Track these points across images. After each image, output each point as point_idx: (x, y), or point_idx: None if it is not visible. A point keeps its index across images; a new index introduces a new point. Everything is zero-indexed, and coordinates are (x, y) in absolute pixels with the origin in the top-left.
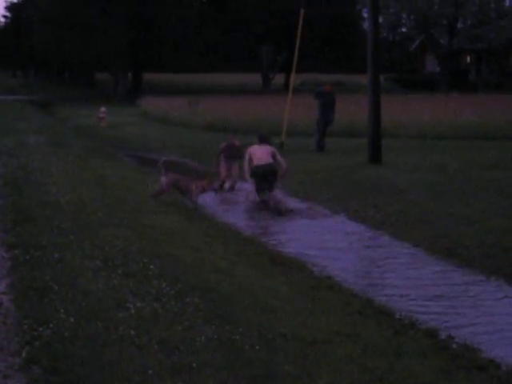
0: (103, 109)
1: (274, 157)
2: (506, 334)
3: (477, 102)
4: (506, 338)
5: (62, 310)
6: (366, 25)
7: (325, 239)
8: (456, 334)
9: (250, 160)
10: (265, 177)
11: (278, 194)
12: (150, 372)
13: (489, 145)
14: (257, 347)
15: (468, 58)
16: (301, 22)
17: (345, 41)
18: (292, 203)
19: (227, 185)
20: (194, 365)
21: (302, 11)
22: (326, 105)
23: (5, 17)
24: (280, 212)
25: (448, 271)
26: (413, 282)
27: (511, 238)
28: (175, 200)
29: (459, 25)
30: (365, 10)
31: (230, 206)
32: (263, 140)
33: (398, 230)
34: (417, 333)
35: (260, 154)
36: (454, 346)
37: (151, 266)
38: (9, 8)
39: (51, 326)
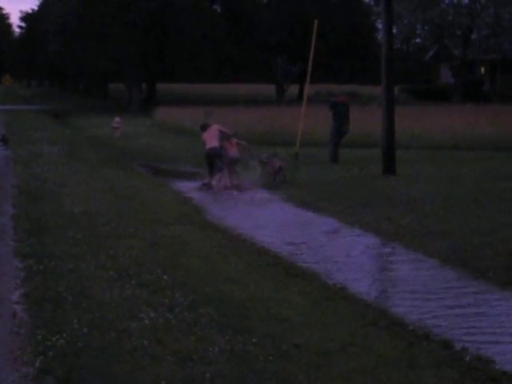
0: (117, 119)
1: (221, 132)
2: None
3: (491, 112)
4: None
5: (75, 321)
6: (380, 36)
7: (338, 251)
8: (470, 345)
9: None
10: (212, 158)
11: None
12: (163, 382)
13: (503, 156)
14: (270, 358)
15: (482, 69)
16: (315, 33)
17: (359, 52)
18: (301, 215)
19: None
20: (208, 375)
21: (315, 22)
22: (341, 115)
23: (20, 27)
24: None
25: (462, 282)
26: (427, 293)
27: None
28: (189, 211)
29: (473, 35)
30: (379, 20)
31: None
32: (205, 127)
33: (412, 242)
34: (430, 344)
35: (211, 137)
36: (468, 357)
37: (165, 277)
38: (24, 18)
39: (65, 336)
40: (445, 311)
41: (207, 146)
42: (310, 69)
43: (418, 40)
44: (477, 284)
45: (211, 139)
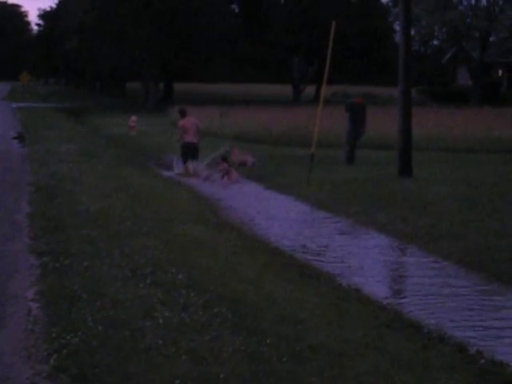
0: (134, 117)
1: (198, 127)
2: None
3: (508, 115)
4: None
5: (90, 319)
6: (397, 37)
7: (353, 252)
8: (484, 349)
9: (183, 130)
10: (192, 151)
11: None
12: (177, 382)
13: None
14: (284, 359)
15: (500, 71)
16: (332, 34)
17: (376, 53)
18: (317, 215)
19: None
20: (222, 375)
21: (333, 23)
22: (357, 117)
23: (38, 25)
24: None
25: (478, 285)
26: (441, 295)
27: None
28: (203, 210)
29: (491, 38)
30: (397, 22)
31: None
32: (184, 113)
33: (428, 244)
34: (445, 347)
35: (191, 130)
36: (483, 360)
37: (179, 276)
38: (42, 16)
39: (79, 334)
40: (459, 314)
41: (191, 140)
42: (327, 70)
43: (435, 42)
44: (492, 287)
45: (194, 134)
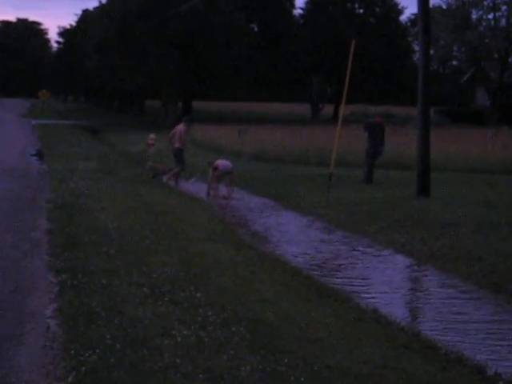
0: (152, 135)
1: (180, 133)
2: None
3: None
4: None
5: (108, 336)
6: (416, 57)
7: (371, 272)
8: (503, 370)
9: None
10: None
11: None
12: None
13: None
14: (302, 379)
15: None
16: (351, 53)
17: (395, 73)
18: (335, 235)
19: None
20: None
21: (352, 42)
22: (376, 136)
23: (58, 42)
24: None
25: (496, 307)
26: (460, 316)
27: None
28: (222, 229)
29: (511, 59)
30: (416, 42)
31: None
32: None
33: (446, 265)
34: (463, 368)
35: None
36: (501, 382)
37: (198, 294)
38: (62, 34)
39: (97, 351)
40: (478, 335)
41: (179, 145)
42: (345, 89)
43: (454, 62)
44: (510, 309)
45: (177, 139)
